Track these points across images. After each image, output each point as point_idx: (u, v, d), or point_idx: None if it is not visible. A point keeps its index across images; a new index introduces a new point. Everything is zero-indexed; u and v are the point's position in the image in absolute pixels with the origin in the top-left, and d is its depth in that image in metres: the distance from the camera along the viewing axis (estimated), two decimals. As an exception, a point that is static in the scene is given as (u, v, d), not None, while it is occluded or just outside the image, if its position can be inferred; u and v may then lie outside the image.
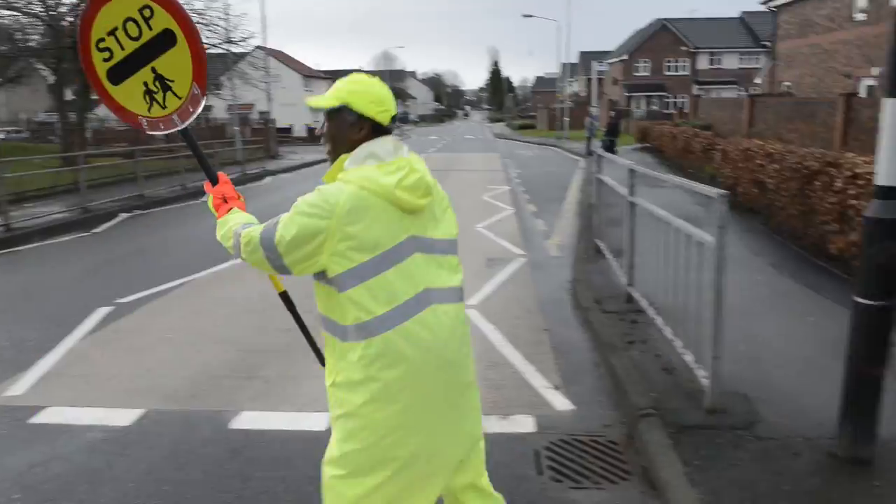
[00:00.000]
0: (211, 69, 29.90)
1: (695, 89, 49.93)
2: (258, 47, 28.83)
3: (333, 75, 74.72)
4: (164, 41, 2.59)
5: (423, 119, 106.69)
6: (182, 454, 3.79)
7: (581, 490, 3.37)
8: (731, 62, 53.15)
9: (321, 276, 2.12)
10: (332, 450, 2.15)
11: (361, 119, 2.17)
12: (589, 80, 61.76)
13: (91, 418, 4.22)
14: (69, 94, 22.38)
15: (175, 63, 2.63)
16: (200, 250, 9.20)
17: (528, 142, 42.90)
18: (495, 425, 4.07)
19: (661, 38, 53.79)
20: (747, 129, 21.94)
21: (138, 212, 14.34)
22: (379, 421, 2.05)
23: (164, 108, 2.67)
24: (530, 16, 43.15)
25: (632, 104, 48.30)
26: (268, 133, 29.97)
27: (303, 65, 57.24)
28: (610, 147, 25.97)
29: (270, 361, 5.18)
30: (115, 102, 2.67)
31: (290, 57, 52.08)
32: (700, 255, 4.02)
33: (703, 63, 53.62)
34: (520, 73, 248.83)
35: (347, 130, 2.19)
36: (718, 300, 3.78)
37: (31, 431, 4.09)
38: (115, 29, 2.58)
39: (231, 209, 2.47)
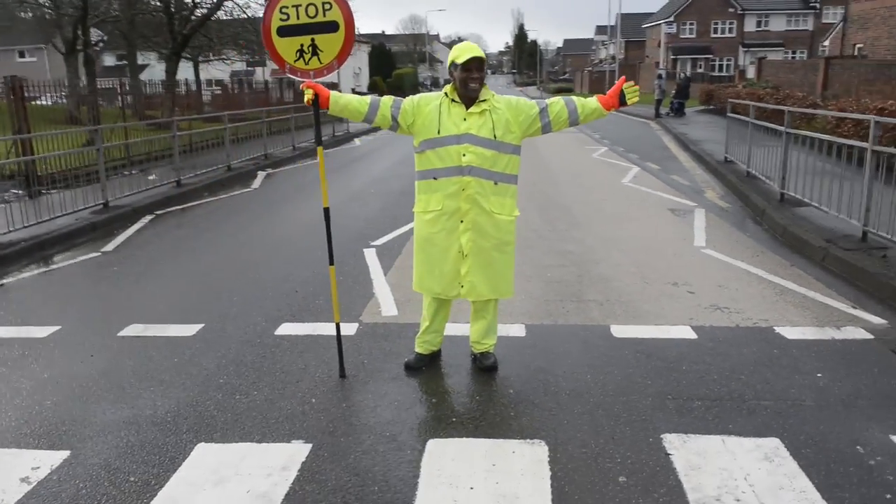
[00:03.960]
0: (244, 32, 29.59)
1: (741, 52, 49.85)
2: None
3: (369, 39, 74.79)
4: (330, 27, 4.14)
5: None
6: (605, 357, 4.60)
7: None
8: (778, 24, 52.58)
9: (415, 146, 4.03)
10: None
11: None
12: (627, 42, 61.63)
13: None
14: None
15: (330, 41, 4.17)
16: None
17: (576, 105, 43.16)
18: (828, 334, 4.89)
19: (709, -2, 52.83)
20: (821, 92, 22.38)
21: (270, 170, 15.12)
22: (422, 218, 4.07)
23: (306, 64, 4.21)
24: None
25: (677, 67, 48.12)
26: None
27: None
28: (680, 109, 26.53)
29: (595, 288, 5.99)
30: (273, 48, 4.19)
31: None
32: None
33: (750, 25, 52.84)
34: (543, 36, 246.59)
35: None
36: None
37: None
38: (300, 5, 4.08)
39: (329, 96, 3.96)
